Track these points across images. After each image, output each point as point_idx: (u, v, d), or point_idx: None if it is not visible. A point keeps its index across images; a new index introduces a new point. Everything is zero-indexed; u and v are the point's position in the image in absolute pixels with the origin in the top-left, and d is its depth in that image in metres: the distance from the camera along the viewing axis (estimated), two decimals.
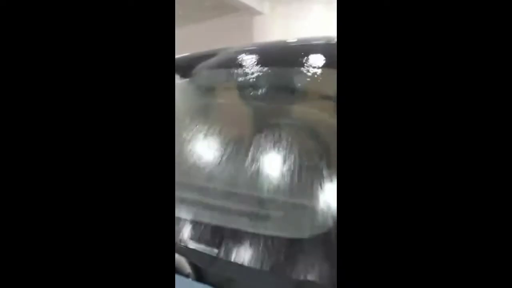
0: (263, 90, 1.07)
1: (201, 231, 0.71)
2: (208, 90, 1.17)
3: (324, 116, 0.92)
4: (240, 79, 1.09)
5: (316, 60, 0.95)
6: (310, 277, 0.59)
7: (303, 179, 0.79)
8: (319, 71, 0.93)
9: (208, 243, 0.67)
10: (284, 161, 0.82)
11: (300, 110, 0.98)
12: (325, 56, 0.95)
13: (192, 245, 0.69)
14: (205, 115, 1.13)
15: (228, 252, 0.65)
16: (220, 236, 0.70)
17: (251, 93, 1.10)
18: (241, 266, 0.62)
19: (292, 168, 0.81)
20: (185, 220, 0.74)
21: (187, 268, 0.63)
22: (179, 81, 1.14)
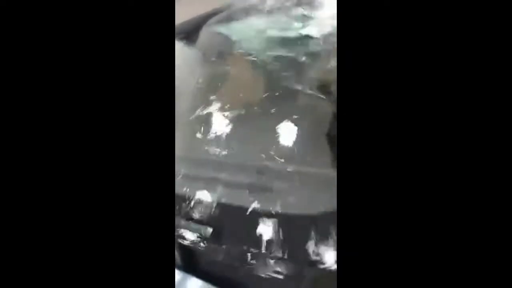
0: (275, 56, 0.98)
1: (197, 208, 0.65)
2: (216, 58, 1.09)
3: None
4: (248, 37, 0.99)
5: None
6: (321, 258, 0.52)
7: (317, 147, 0.71)
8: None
9: (207, 222, 0.61)
10: (297, 129, 0.75)
11: (315, 75, 0.88)
12: None
13: (186, 225, 0.63)
14: (215, 84, 1.06)
15: (227, 233, 0.59)
16: (219, 213, 0.64)
17: (262, 59, 1.01)
18: (238, 249, 0.56)
19: (305, 136, 0.73)
20: (188, 196, 0.68)
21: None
22: (185, 48, 1.07)
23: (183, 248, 0.59)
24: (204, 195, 0.67)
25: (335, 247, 0.52)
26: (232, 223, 0.62)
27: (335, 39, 0.83)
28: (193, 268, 0.56)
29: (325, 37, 0.86)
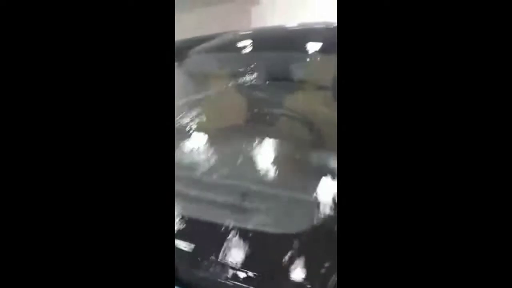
0: (258, 80, 1.03)
1: (180, 224, 0.67)
2: (201, 79, 1.13)
3: (320, 107, 0.88)
4: (234, 65, 1.04)
5: (315, 45, 0.90)
6: (296, 275, 0.55)
7: (294, 171, 0.75)
8: (317, 56, 0.89)
9: (186, 238, 0.63)
10: (275, 152, 0.78)
11: (295, 100, 0.93)
12: (324, 40, 0.90)
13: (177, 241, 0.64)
14: (198, 104, 1.09)
15: (207, 248, 0.61)
16: (200, 230, 0.66)
17: (246, 83, 1.06)
18: (220, 264, 0.59)
19: (283, 159, 0.77)
20: None
21: None
22: None
23: None
24: (181, 211, 0.69)
25: (307, 264, 0.55)
26: (210, 239, 0.64)
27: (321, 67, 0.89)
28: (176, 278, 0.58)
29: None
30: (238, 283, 0.55)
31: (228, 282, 0.56)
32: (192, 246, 0.62)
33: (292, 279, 0.54)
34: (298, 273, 0.55)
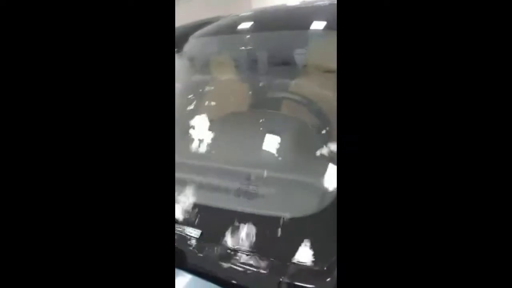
0: (261, 63, 1.01)
1: (189, 211, 0.67)
2: (203, 66, 1.11)
3: (326, 91, 0.86)
4: (234, 48, 1.02)
5: (318, 24, 0.87)
6: (302, 258, 0.54)
7: (300, 155, 0.74)
8: (322, 35, 0.86)
9: (194, 224, 0.63)
10: (280, 137, 0.77)
11: (300, 84, 0.91)
12: (328, 18, 0.86)
13: (177, 226, 0.64)
14: (200, 92, 1.07)
15: (214, 234, 0.61)
16: (207, 216, 0.65)
17: (248, 68, 1.03)
18: (227, 249, 0.58)
19: (288, 144, 0.76)
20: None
21: None
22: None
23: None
24: (189, 198, 0.68)
25: (312, 247, 0.54)
26: (217, 224, 0.63)
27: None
28: (183, 265, 0.57)
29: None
30: (246, 267, 0.55)
31: (235, 267, 0.56)
32: (199, 232, 0.61)
33: (299, 262, 0.54)
34: (305, 257, 0.54)
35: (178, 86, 1.04)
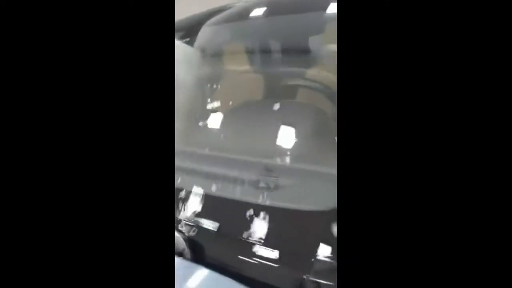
0: (274, 51, 0.98)
1: (204, 203, 0.65)
2: (215, 56, 1.08)
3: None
4: (247, 36, 0.99)
5: (334, 5, 0.83)
6: (322, 254, 0.52)
7: (319, 144, 0.71)
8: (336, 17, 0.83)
9: (210, 216, 0.61)
10: (298, 125, 0.74)
11: (316, 72, 0.88)
12: None
13: (193, 219, 0.62)
14: (214, 82, 1.05)
15: (231, 226, 0.59)
16: (223, 208, 0.63)
17: (261, 57, 1.01)
18: (245, 242, 0.56)
19: (306, 133, 0.73)
20: (187, 191, 0.68)
21: (182, 245, 0.57)
22: (183, 45, 1.06)
23: (191, 240, 0.59)
24: (205, 189, 0.67)
25: (334, 242, 0.52)
26: (234, 217, 0.62)
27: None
28: (200, 259, 0.56)
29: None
30: (263, 261, 0.53)
31: (252, 260, 0.54)
32: (217, 224, 0.59)
33: (317, 256, 0.52)
34: (323, 251, 0.52)
35: (191, 77, 1.03)
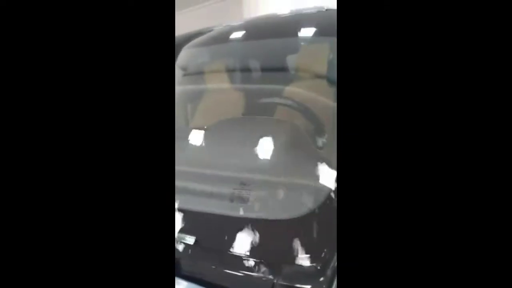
0: (253, 71, 1.02)
1: (183, 218, 0.67)
2: (196, 75, 1.12)
3: (317, 95, 0.87)
4: (227, 57, 1.03)
5: (307, 30, 0.89)
6: (299, 260, 0.55)
7: (293, 158, 0.75)
8: (311, 42, 0.88)
9: (188, 231, 0.64)
10: (274, 141, 0.78)
11: (293, 90, 0.92)
12: (317, 24, 0.89)
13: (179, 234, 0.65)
14: (194, 100, 1.08)
15: (209, 239, 0.61)
16: (202, 222, 0.66)
17: (241, 76, 1.04)
18: (223, 254, 0.59)
19: (281, 147, 0.77)
20: None
21: None
22: None
23: None
24: (183, 205, 0.69)
25: (309, 246, 0.55)
26: (211, 230, 0.64)
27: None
28: (178, 272, 0.58)
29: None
30: (240, 271, 0.56)
31: (230, 271, 0.56)
32: (193, 238, 0.62)
33: (296, 263, 0.55)
34: (301, 258, 0.55)
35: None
